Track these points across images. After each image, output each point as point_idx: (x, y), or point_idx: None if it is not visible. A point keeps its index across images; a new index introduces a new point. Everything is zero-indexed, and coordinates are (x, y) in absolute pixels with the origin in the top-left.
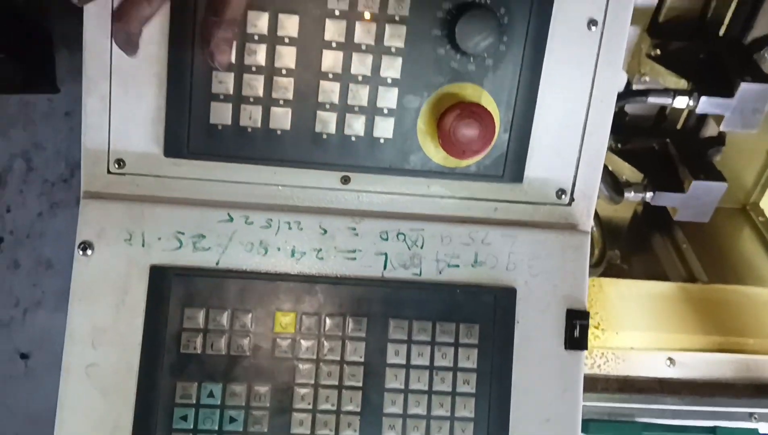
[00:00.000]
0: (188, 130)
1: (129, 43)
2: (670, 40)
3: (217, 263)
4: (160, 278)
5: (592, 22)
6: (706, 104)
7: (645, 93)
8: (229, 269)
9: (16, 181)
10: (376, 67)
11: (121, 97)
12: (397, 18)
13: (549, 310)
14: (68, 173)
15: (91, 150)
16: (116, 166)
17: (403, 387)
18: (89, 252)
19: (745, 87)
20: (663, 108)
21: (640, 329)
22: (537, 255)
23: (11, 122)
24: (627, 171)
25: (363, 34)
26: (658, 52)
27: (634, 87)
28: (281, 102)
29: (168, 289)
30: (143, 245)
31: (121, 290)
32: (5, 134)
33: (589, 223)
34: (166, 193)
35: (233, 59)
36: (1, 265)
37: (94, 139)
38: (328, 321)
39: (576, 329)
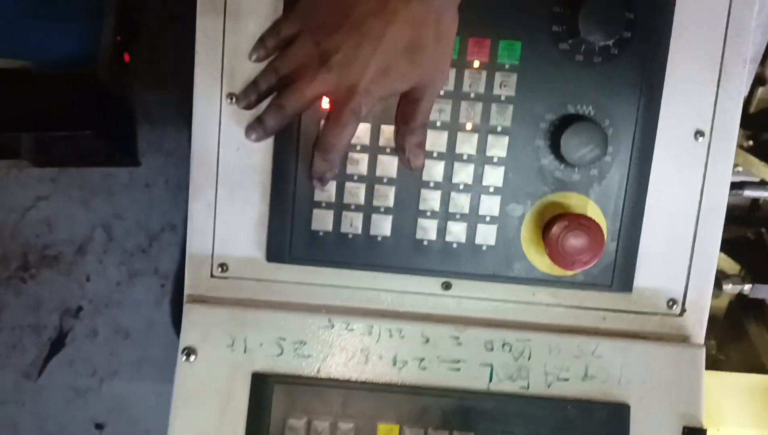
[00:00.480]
0: (290, 236)
1: (329, 171)
2: (762, 131)
3: (318, 371)
4: (262, 386)
5: (699, 133)
6: None
7: (740, 185)
8: (330, 377)
9: (96, 251)
10: (478, 176)
11: (226, 203)
12: (499, 129)
13: (664, 427)
14: (146, 244)
15: (195, 254)
16: (219, 270)
17: None
18: (192, 357)
19: None
20: (757, 199)
21: (743, 426)
22: (650, 369)
23: (93, 193)
24: (723, 261)
25: (465, 144)
26: (751, 143)
27: None
28: (382, 209)
29: (269, 396)
30: (245, 351)
31: (224, 396)
32: (87, 204)
33: (702, 335)
34: (267, 297)
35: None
36: (80, 333)
37: (199, 243)
38: None
39: None
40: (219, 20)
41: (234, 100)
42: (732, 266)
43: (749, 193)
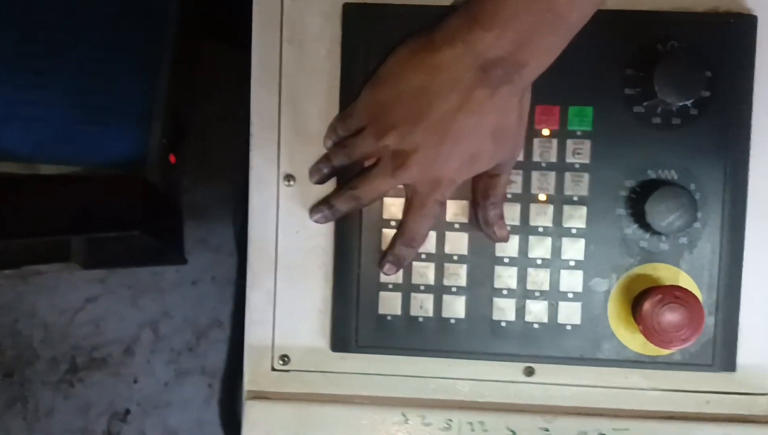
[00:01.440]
0: (356, 323)
1: (409, 258)
2: None
3: None
4: None
5: None
6: None
7: None
8: None
9: (144, 351)
10: (556, 250)
11: (286, 290)
12: (575, 198)
13: None
14: (194, 341)
15: (255, 346)
16: (281, 362)
17: None
18: None
19: None
20: None
21: None
22: None
23: (142, 292)
24: None
25: (539, 216)
26: None
27: None
28: (454, 289)
29: None
30: None
31: None
32: (136, 303)
33: None
34: (333, 391)
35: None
36: None
37: (258, 335)
38: None
39: None
40: (274, 102)
41: (292, 181)
42: None
43: None
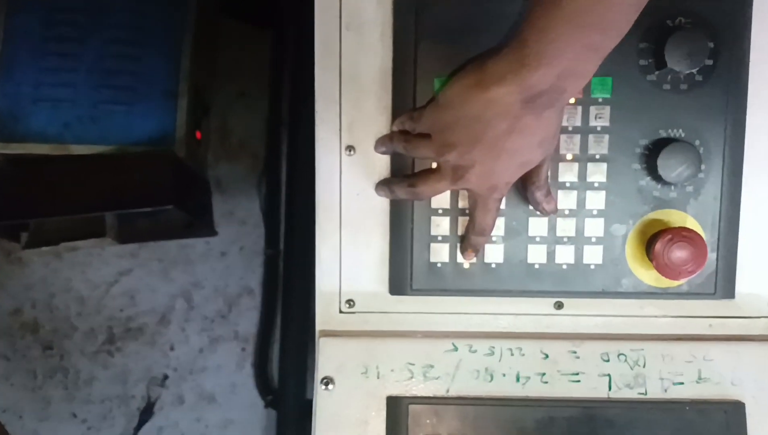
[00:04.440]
0: (411, 270)
1: (484, 244)
2: None
3: (447, 391)
4: (397, 408)
5: None
6: None
7: None
8: (460, 396)
9: (178, 320)
10: (581, 201)
11: (350, 244)
12: (597, 156)
13: None
14: (226, 309)
15: (325, 293)
16: (347, 305)
17: None
18: (330, 387)
19: None
20: None
21: None
22: (762, 369)
23: (173, 264)
24: None
25: (566, 172)
26: None
27: None
28: (494, 238)
29: (405, 417)
30: (378, 377)
31: (362, 421)
32: (167, 276)
33: None
34: (393, 328)
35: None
36: (167, 401)
37: (327, 283)
38: None
39: None
40: (335, 82)
41: (352, 151)
42: None
43: None
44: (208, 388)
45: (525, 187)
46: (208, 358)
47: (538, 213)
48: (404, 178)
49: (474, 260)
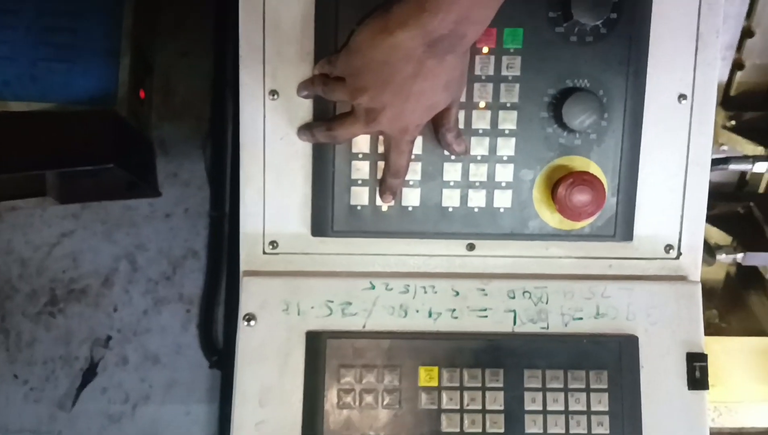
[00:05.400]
0: (332, 212)
1: (400, 186)
2: (743, 111)
3: (363, 326)
4: (316, 342)
5: (682, 96)
6: None
7: (726, 160)
8: (375, 331)
9: (122, 282)
10: (492, 148)
11: (273, 187)
12: (508, 105)
13: (670, 354)
14: (170, 271)
15: (248, 234)
16: (270, 247)
17: (542, 431)
18: (252, 322)
19: None
20: (743, 174)
21: (749, 383)
22: (653, 305)
23: (116, 226)
24: (716, 235)
25: (480, 120)
26: (733, 123)
27: (714, 156)
28: (411, 183)
29: (323, 351)
30: (299, 314)
31: (283, 354)
32: (110, 237)
33: (697, 274)
34: (315, 268)
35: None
36: (111, 362)
37: (251, 225)
38: (467, 374)
39: (696, 371)
40: (259, 28)
41: (275, 96)
42: (725, 239)
43: (734, 167)
44: (153, 349)
45: (437, 130)
46: (152, 319)
47: (452, 158)
48: (323, 123)
49: (392, 203)
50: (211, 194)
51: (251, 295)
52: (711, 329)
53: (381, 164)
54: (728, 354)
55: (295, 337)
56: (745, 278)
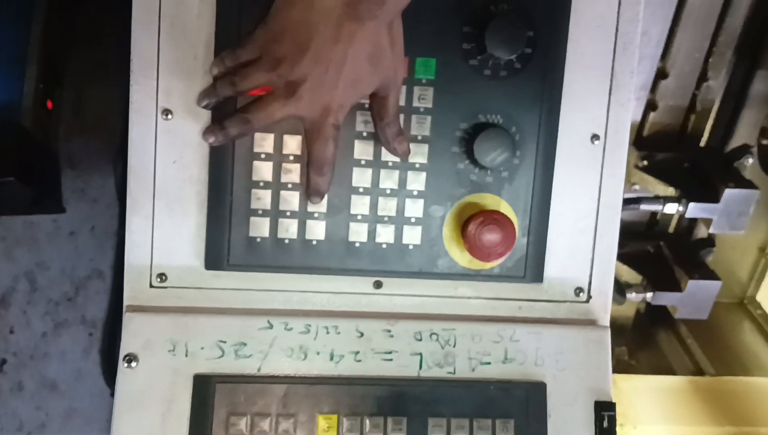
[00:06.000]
0: (228, 244)
1: (327, 184)
2: (656, 151)
3: (258, 369)
4: (204, 386)
5: (594, 137)
6: (694, 210)
7: (637, 201)
8: (271, 375)
9: (20, 302)
10: (402, 181)
11: (164, 215)
12: (419, 138)
13: (578, 402)
14: (73, 292)
15: (134, 266)
16: (158, 280)
17: None
18: (134, 364)
19: (729, 193)
20: (655, 214)
21: (657, 423)
22: (562, 350)
23: (15, 243)
24: (626, 273)
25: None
26: (646, 163)
27: (626, 196)
28: (316, 215)
29: (212, 397)
30: (186, 355)
31: (167, 400)
32: (9, 255)
33: (607, 319)
34: (207, 304)
35: (270, 177)
36: (4, 387)
37: (137, 255)
38: (368, 422)
39: (605, 420)
40: (153, 40)
41: (169, 115)
42: (635, 277)
43: (645, 207)
44: (51, 375)
45: (375, 124)
46: (51, 343)
47: (360, 190)
48: (236, 111)
49: (322, 209)
50: (120, 212)
51: (133, 333)
52: (620, 367)
53: (284, 194)
54: (636, 392)
55: (181, 380)
56: (654, 316)
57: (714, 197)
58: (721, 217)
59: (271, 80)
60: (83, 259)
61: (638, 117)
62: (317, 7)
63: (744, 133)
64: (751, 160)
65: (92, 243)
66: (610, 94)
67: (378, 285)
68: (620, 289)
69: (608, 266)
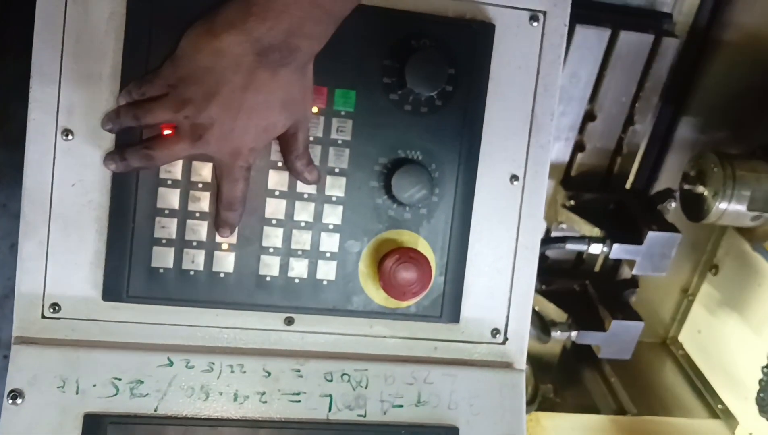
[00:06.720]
0: (128, 274)
1: (236, 221)
2: (582, 191)
3: (155, 410)
4: (95, 427)
5: (514, 178)
6: (618, 251)
7: (563, 240)
8: (168, 416)
9: None
10: (318, 214)
11: (59, 241)
12: (337, 170)
13: None
14: None
15: (25, 294)
16: (51, 310)
17: None
18: (19, 401)
19: (652, 235)
20: (581, 253)
21: None
22: (477, 394)
23: None
24: (552, 311)
25: (305, 184)
26: (572, 202)
27: (553, 234)
28: (225, 246)
29: None
30: (77, 392)
31: None
32: None
33: (523, 362)
34: (103, 338)
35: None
36: None
37: (28, 283)
38: None
39: None
40: (56, 58)
41: (70, 136)
42: (560, 315)
43: (571, 246)
44: None
45: (285, 159)
46: None
47: (273, 222)
48: (139, 144)
49: (232, 240)
50: None
51: (20, 367)
52: (546, 404)
53: (191, 223)
54: (560, 431)
55: (69, 420)
56: (580, 354)
57: (638, 239)
58: (645, 258)
59: (176, 119)
60: (1, 277)
61: (566, 157)
62: (225, 55)
63: (668, 177)
64: (674, 204)
65: (11, 260)
66: (530, 135)
67: (289, 321)
68: (545, 327)
69: (525, 308)
